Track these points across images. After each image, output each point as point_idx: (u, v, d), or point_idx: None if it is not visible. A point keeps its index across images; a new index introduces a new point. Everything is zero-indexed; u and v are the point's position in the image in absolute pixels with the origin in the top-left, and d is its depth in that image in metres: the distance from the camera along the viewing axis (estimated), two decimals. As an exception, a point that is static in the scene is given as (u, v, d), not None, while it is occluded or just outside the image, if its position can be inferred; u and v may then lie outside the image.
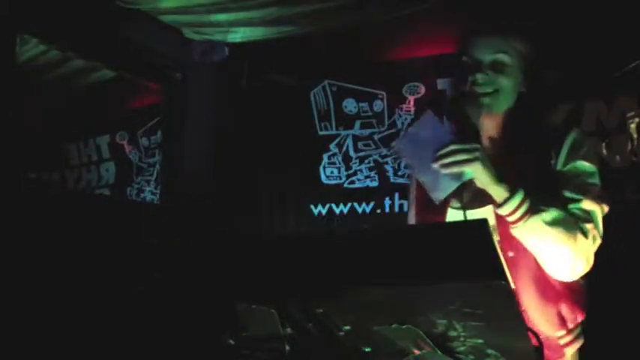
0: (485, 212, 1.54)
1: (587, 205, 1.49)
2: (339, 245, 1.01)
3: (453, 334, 0.98)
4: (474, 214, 1.56)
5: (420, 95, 3.28)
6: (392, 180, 3.37)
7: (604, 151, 2.82)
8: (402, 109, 3.38)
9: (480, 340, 0.98)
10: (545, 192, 1.48)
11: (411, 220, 1.78)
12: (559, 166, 1.55)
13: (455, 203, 1.60)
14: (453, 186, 1.47)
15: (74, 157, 4.50)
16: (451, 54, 3.15)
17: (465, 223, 1.30)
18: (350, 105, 3.48)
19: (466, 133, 1.51)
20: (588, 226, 1.47)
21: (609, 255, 2.63)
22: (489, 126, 1.62)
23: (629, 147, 2.78)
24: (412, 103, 3.35)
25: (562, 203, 1.49)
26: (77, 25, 3.07)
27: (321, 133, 3.53)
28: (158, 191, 4.01)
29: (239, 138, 3.58)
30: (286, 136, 3.55)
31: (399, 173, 3.34)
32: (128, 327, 1.19)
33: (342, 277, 0.95)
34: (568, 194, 1.51)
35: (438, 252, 0.90)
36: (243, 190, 3.54)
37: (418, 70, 3.21)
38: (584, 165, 1.54)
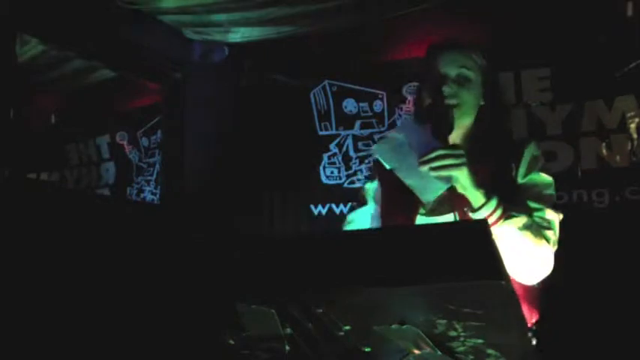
0: (447, 219, 1.63)
1: (548, 214, 1.61)
2: (339, 245, 1.02)
3: (452, 334, 0.98)
4: (436, 220, 1.64)
5: (420, 95, 3.29)
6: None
7: (604, 151, 2.82)
8: (402, 109, 3.38)
9: (480, 340, 0.98)
10: (507, 200, 1.58)
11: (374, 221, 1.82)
12: (520, 177, 1.66)
13: (420, 210, 1.67)
14: (442, 189, 1.53)
15: (74, 157, 4.50)
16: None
17: (465, 223, 1.32)
18: (350, 105, 3.48)
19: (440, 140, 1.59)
20: (549, 233, 1.58)
21: (610, 254, 2.65)
22: (454, 136, 1.68)
23: (629, 147, 2.78)
24: (412, 103, 3.34)
25: (526, 211, 1.59)
26: (77, 25, 3.07)
27: (321, 133, 3.53)
28: (158, 191, 4.01)
29: (239, 138, 3.58)
30: (286, 136, 3.55)
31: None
32: (128, 327, 1.19)
33: (341, 277, 0.95)
34: (530, 204, 1.61)
35: (438, 252, 0.90)
36: (243, 190, 3.54)
37: (418, 70, 3.20)
38: (543, 177, 1.67)
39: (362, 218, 1.87)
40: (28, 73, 3.75)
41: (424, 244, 0.93)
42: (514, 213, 1.55)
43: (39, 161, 4.53)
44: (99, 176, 4.39)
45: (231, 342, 1.10)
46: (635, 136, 2.78)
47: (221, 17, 3.19)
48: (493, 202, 1.54)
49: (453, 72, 1.70)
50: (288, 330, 1.04)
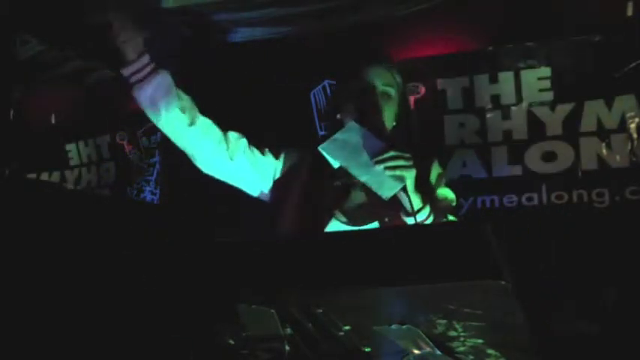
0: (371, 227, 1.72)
1: None
2: (340, 245, 1.02)
3: (452, 334, 0.98)
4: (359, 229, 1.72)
5: (420, 95, 3.28)
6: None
7: (604, 151, 2.82)
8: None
9: (480, 340, 0.98)
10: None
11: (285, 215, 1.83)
12: (432, 187, 1.80)
13: (341, 217, 1.74)
14: (398, 186, 1.62)
15: (74, 157, 4.50)
16: (451, 54, 3.18)
17: (465, 223, 1.33)
18: (350, 105, 3.47)
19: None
20: None
21: (610, 254, 2.65)
22: None
23: (629, 147, 2.78)
24: (412, 103, 3.34)
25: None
26: (77, 25, 3.06)
27: (321, 133, 3.52)
28: (158, 191, 4.01)
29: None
30: (286, 136, 3.55)
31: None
32: (128, 327, 1.19)
33: (342, 277, 0.95)
34: (448, 216, 1.76)
35: (439, 252, 0.90)
36: (243, 190, 3.53)
37: (418, 70, 3.21)
38: (450, 191, 1.84)
39: (261, 165, 1.88)
40: (28, 73, 3.75)
41: (424, 243, 0.93)
42: (443, 219, 1.70)
43: (39, 161, 4.53)
44: (99, 176, 4.38)
45: (231, 342, 1.10)
46: (635, 136, 2.78)
47: (221, 17, 3.19)
48: (427, 208, 1.66)
49: (380, 87, 1.80)
50: (288, 330, 1.04)
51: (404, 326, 0.98)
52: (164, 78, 1.70)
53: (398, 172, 1.60)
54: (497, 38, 3.04)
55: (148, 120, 1.80)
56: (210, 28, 3.32)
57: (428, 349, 1.00)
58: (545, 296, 2.50)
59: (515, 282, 0.86)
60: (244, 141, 1.85)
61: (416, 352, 1.01)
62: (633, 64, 2.75)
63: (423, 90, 3.27)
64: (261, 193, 1.90)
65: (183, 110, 1.70)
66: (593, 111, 2.86)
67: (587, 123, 2.87)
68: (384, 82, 1.80)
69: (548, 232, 2.76)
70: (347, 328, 1.01)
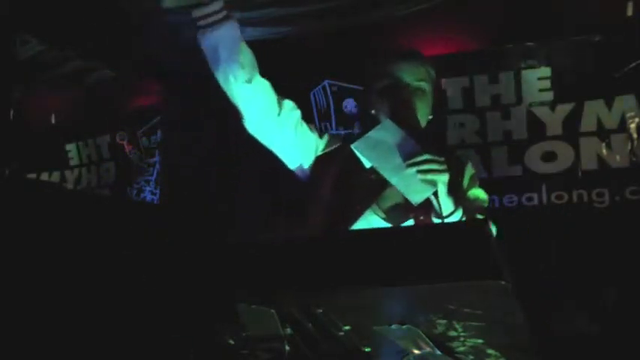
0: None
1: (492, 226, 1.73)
2: (340, 245, 1.02)
3: (453, 334, 0.98)
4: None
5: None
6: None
7: (604, 151, 2.82)
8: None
9: (480, 340, 0.98)
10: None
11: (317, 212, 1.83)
12: (464, 191, 1.79)
13: (380, 213, 1.72)
14: (429, 191, 1.58)
15: (74, 157, 4.50)
16: (451, 54, 3.17)
17: (465, 223, 1.33)
18: (350, 105, 3.47)
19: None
20: None
21: (610, 254, 2.65)
22: None
23: (629, 147, 2.78)
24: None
25: None
26: (77, 25, 3.06)
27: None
28: (158, 191, 4.01)
29: (239, 138, 3.57)
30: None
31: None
32: (128, 327, 1.19)
33: (341, 277, 0.95)
34: (478, 216, 1.75)
35: (438, 252, 0.90)
36: (244, 190, 3.53)
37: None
38: (482, 192, 1.82)
39: (304, 137, 1.89)
40: (28, 73, 3.75)
41: (424, 244, 0.93)
42: None
43: (39, 161, 4.53)
44: (99, 176, 4.38)
45: (231, 342, 1.10)
46: (635, 136, 2.78)
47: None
48: (459, 211, 1.63)
49: (413, 83, 1.76)
50: (288, 330, 1.04)
51: (404, 326, 0.98)
52: (231, 28, 1.68)
53: (430, 177, 1.56)
54: (497, 38, 3.04)
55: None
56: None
57: (428, 349, 1.00)
58: (545, 296, 2.50)
59: (515, 282, 0.86)
60: (299, 113, 1.84)
61: (416, 352, 1.01)
62: (633, 64, 2.75)
63: (423, 90, 3.26)
64: (300, 166, 1.87)
65: (242, 66, 1.68)
66: (593, 111, 2.86)
67: (587, 123, 2.87)
68: (416, 77, 1.77)
69: (548, 232, 2.76)
70: (347, 328, 1.01)
